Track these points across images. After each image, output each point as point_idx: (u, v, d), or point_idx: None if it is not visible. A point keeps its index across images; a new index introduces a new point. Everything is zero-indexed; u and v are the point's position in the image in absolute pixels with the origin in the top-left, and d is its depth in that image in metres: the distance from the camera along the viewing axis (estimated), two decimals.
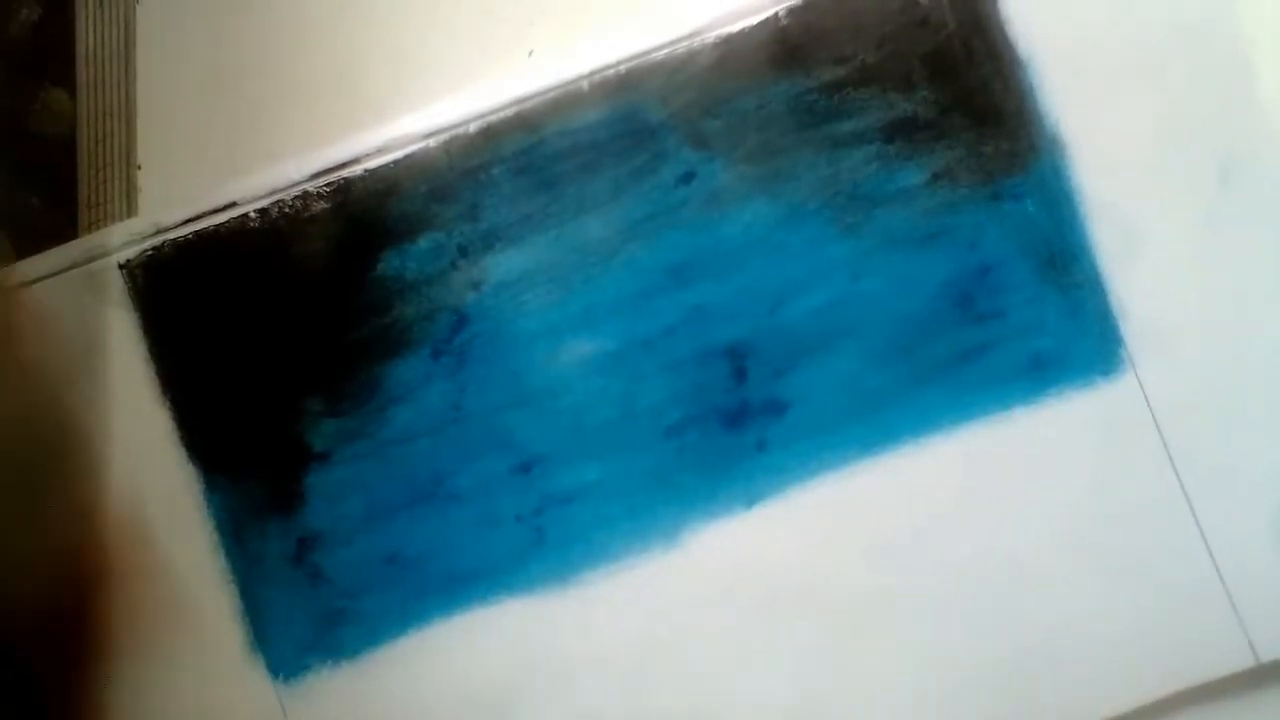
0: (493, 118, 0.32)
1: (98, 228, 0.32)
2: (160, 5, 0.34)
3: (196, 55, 0.34)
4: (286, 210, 0.32)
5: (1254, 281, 0.32)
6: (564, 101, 0.32)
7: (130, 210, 0.34)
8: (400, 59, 0.34)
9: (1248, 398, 0.32)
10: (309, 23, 0.34)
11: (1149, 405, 0.32)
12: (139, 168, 0.34)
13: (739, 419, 0.32)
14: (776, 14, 0.32)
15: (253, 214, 0.32)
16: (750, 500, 0.32)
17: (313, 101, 0.33)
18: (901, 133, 0.32)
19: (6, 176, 0.33)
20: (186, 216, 0.32)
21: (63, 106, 0.33)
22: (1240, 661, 0.31)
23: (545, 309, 0.33)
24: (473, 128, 0.32)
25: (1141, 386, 0.32)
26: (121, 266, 0.32)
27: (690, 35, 0.32)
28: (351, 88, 0.33)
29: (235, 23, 0.34)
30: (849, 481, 0.32)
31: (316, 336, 0.32)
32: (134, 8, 0.34)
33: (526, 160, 0.32)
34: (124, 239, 0.32)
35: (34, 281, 0.32)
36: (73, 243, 0.32)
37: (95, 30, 0.33)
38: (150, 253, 0.32)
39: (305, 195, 0.32)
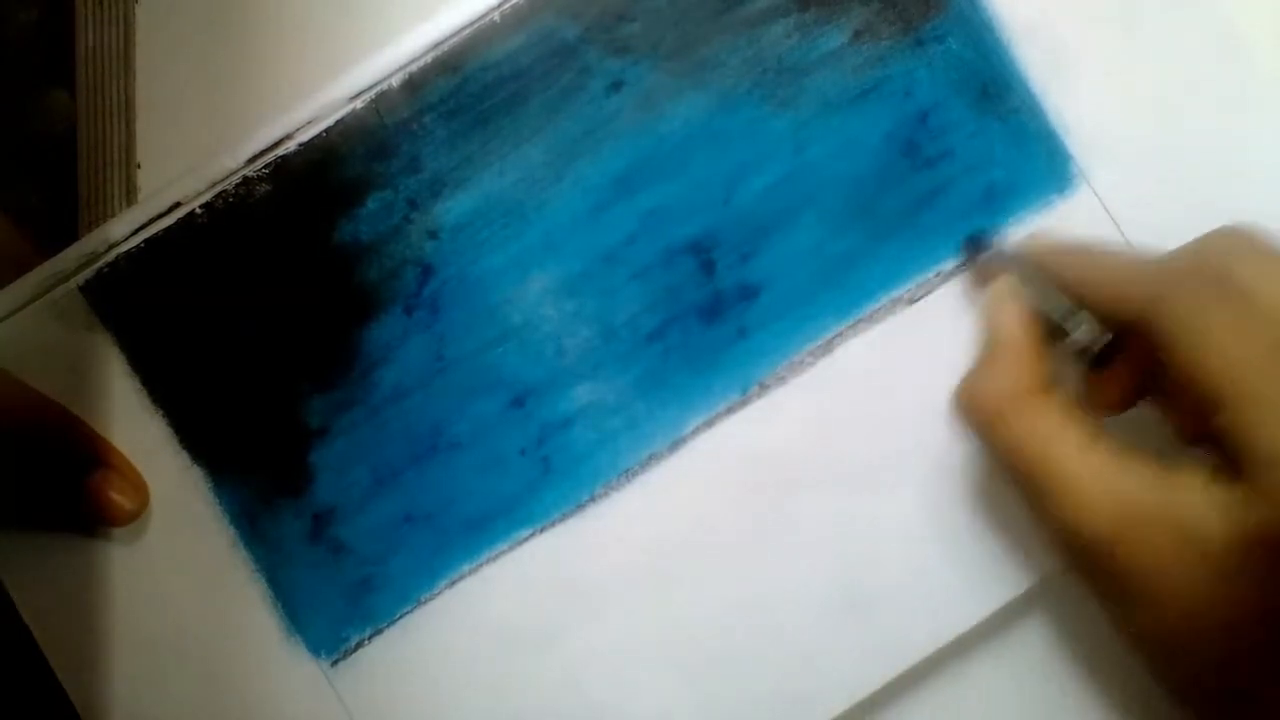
0: (413, 68, 0.32)
1: (97, 227, 0.32)
2: (160, 5, 0.34)
3: (196, 55, 0.34)
4: (231, 200, 0.32)
5: (1180, 69, 0.32)
6: (479, 37, 0.32)
7: None
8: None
9: (1198, 182, 0.32)
10: (309, 21, 0.34)
11: (1109, 213, 0.32)
12: (139, 167, 0.34)
13: (716, 310, 0.33)
14: None
15: (198, 210, 0.32)
16: (744, 387, 0.33)
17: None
18: None
19: (7, 176, 0.33)
20: (134, 227, 0.32)
21: (63, 106, 0.33)
22: None
23: (505, 243, 0.33)
24: (395, 81, 0.32)
25: (1098, 196, 0.32)
26: (81, 289, 0.32)
27: None
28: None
29: (234, 22, 0.34)
30: (836, 349, 0.33)
31: (290, 317, 0.33)
32: (134, 8, 0.34)
33: (455, 102, 0.33)
34: (78, 261, 0.32)
35: None
36: (29, 274, 0.32)
37: (95, 30, 0.33)
38: (106, 270, 0.32)
39: (246, 181, 0.32)
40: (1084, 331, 0.29)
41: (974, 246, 0.32)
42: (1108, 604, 0.27)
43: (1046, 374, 0.28)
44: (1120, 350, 0.29)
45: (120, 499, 0.32)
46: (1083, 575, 0.28)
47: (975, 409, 0.28)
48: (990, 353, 0.29)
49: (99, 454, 0.32)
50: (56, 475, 0.32)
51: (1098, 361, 0.29)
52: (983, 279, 0.31)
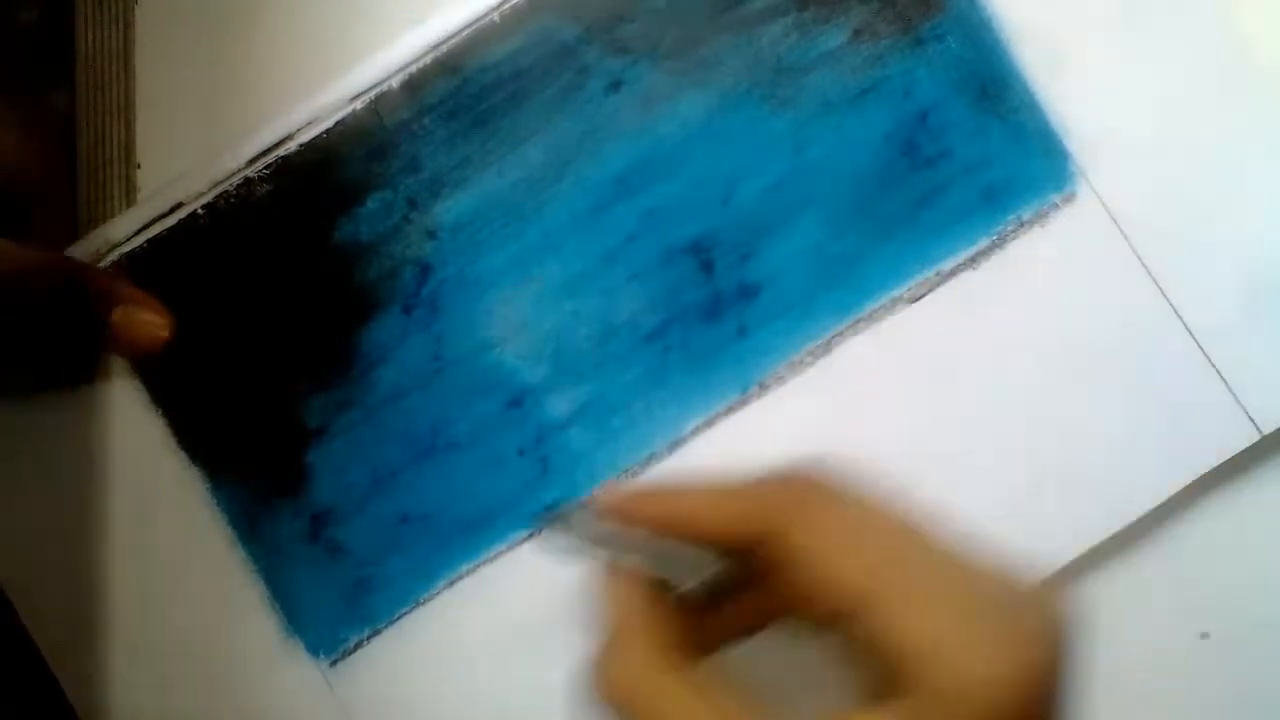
0: (413, 69, 0.32)
1: (97, 227, 0.32)
2: (160, 5, 0.34)
3: (196, 55, 0.34)
4: (232, 200, 0.32)
5: (1180, 68, 0.32)
6: (478, 38, 0.33)
7: None
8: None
9: (1197, 181, 0.32)
10: (308, 21, 0.34)
11: (1108, 211, 0.32)
12: (139, 167, 0.34)
13: (715, 310, 0.33)
14: None
15: (200, 211, 0.32)
16: (743, 386, 0.33)
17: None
18: None
19: None
20: (136, 227, 0.32)
21: (63, 106, 0.33)
22: (1244, 438, 0.32)
23: (504, 243, 0.33)
24: (396, 82, 0.32)
25: (1097, 195, 0.32)
26: None
27: None
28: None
29: (234, 22, 0.34)
30: (835, 348, 0.33)
31: (289, 317, 0.33)
32: (134, 8, 0.34)
33: (454, 103, 0.33)
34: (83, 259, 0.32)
35: None
36: None
37: (95, 30, 0.33)
38: (110, 270, 0.32)
39: (247, 181, 0.32)
40: (688, 576, 0.27)
41: (549, 519, 0.30)
42: None
43: (676, 638, 0.26)
44: (740, 577, 0.27)
45: (150, 319, 0.32)
46: None
47: (612, 693, 0.26)
48: (614, 633, 0.27)
49: (116, 291, 0.32)
50: (82, 320, 0.31)
51: (717, 596, 0.28)
52: (559, 545, 0.29)
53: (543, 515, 0.31)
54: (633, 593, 0.27)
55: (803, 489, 0.26)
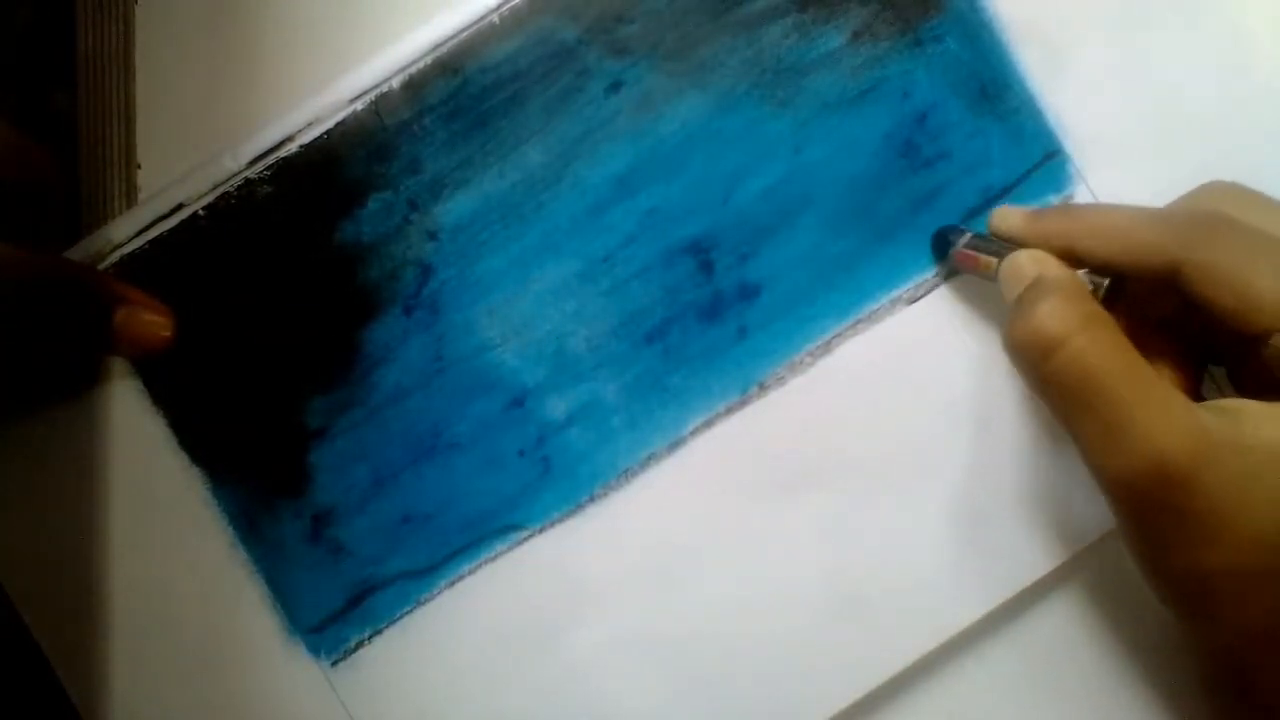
0: (413, 69, 0.33)
1: (98, 228, 0.33)
2: (160, 5, 0.34)
3: (196, 55, 0.34)
4: (233, 202, 0.33)
5: (1180, 69, 0.32)
6: (478, 39, 0.33)
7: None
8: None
9: (1198, 183, 0.32)
10: (309, 21, 0.34)
11: None
12: (139, 168, 0.34)
13: (715, 310, 0.33)
14: None
15: (201, 212, 0.32)
16: (743, 387, 0.33)
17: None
18: None
19: None
20: (137, 228, 0.32)
21: (63, 106, 0.33)
22: None
23: (505, 244, 0.33)
24: (396, 83, 0.33)
25: (1095, 197, 0.32)
26: None
27: None
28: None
29: (235, 22, 0.34)
30: (835, 349, 0.33)
31: (290, 317, 0.33)
32: (134, 8, 0.34)
33: (455, 104, 0.33)
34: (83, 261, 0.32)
35: None
36: None
37: (95, 30, 0.33)
38: (111, 271, 0.32)
39: (249, 183, 0.32)
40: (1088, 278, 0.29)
41: (944, 238, 0.32)
42: (1165, 544, 0.26)
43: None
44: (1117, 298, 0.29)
45: (153, 319, 0.32)
46: (1141, 513, 0.26)
47: (1043, 334, 0.27)
48: (1042, 290, 0.28)
49: (116, 293, 0.32)
50: (83, 323, 0.31)
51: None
52: (965, 263, 0.31)
53: (937, 236, 0.32)
54: (1050, 261, 0.29)
55: (1209, 217, 0.27)
